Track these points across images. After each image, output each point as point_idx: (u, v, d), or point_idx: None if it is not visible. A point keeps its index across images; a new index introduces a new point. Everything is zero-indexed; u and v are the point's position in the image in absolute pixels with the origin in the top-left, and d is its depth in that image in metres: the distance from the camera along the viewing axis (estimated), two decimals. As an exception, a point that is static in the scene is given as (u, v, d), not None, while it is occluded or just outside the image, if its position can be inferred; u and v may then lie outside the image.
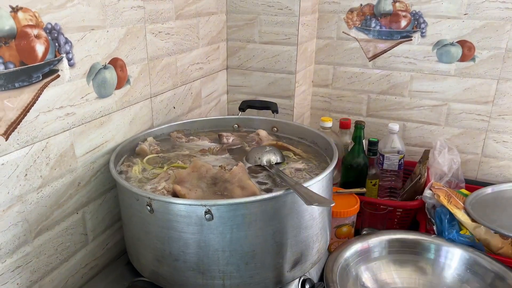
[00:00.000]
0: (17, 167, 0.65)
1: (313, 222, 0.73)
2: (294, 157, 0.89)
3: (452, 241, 0.96)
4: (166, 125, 0.97)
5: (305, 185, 0.68)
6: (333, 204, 0.63)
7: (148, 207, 0.66)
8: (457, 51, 1.22)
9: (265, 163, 0.82)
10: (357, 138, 1.18)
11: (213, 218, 0.64)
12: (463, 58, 1.22)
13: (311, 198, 0.62)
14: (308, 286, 0.80)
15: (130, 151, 0.87)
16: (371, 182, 1.19)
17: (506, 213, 1.08)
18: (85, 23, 0.73)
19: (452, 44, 1.22)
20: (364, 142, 1.20)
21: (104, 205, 0.84)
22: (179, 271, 0.69)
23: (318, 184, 0.71)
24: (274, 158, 0.83)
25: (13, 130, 0.63)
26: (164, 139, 0.96)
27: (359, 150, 1.18)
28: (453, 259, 0.94)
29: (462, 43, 1.21)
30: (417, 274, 0.96)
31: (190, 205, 0.65)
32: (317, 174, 0.72)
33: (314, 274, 0.87)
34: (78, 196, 0.78)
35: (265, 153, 0.84)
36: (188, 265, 0.68)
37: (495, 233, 0.97)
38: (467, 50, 1.21)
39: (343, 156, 1.22)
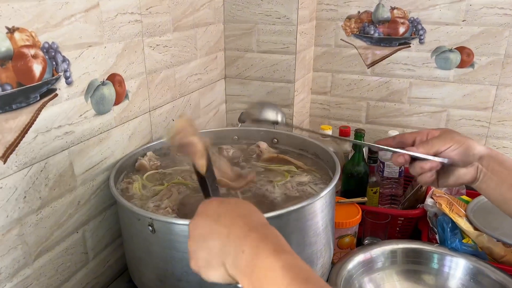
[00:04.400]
0: (16, 190, 0.63)
1: (317, 239, 0.72)
2: (296, 170, 0.88)
3: (455, 250, 0.96)
4: (166, 139, 0.96)
5: (308, 202, 0.67)
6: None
7: (150, 227, 0.65)
8: (456, 57, 1.22)
9: (265, 119, 0.76)
10: (357, 146, 1.17)
11: (216, 238, 0.63)
12: (462, 64, 1.22)
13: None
14: (312, 301, 0.79)
15: (129, 166, 0.86)
16: (372, 190, 1.19)
17: (508, 220, 1.06)
18: (83, 40, 0.72)
19: (450, 50, 1.22)
20: (364, 150, 1.20)
21: (104, 223, 0.83)
22: (182, 291, 0.68)
23: (322, 199, 0.71)
24: (274, 115, 0.77)
25: (11, 153, 0.62)
26: (164, 153, 0.95)
27: (359, 158, 1.18)
28: (456, 268, 0.94)
29: (461, 49, 1.21)
30: (421, 285, 0.96)
31: (192, 225, 0.64)
32: (321, 188, 0.72)
33: (317, 288, 0.86)
34: (78, 215, 0.77)
35: (265, 110, 0.77)
36: (191, 286, 0.67)
37: (498, 241, 0.97)
38: (465, 56, 1.21)
39: (344, 164, 1.21)
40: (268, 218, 0.65)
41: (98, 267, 0.83)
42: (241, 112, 1.11)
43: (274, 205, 0.74)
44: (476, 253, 0.96)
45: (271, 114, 0.76)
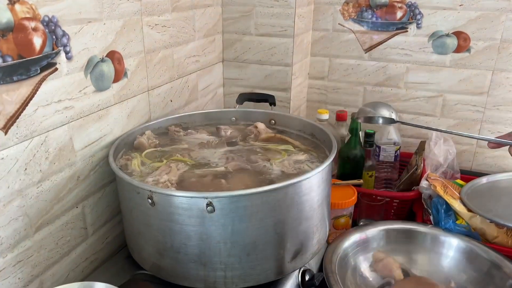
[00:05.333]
0: (17, 162, 0.64)
1: (313, 213, 0.74)
2: (293, 149, 0.89)
3: (449, 230, 0.97)
4: (164, 119, 0.96)
5: (305, 176, 0.68)
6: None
7: (149, 200, 0.66)
8: (453, 42, 1.22)
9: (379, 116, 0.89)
10: (353, 130, 1.18)
11: (214, 210, 0.64)
12: (458, 49, 1.23)
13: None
14: (308, 277, 0.80)
15: (128, 145, 0.87)
16: (367, 174, 1.20)
17: (501, 203, 1.09)
18: (82, 16, 0.73)
19: (447, 35, 1.22)
20: (361, 134, 1.21)
21: (103, 199, 0.84)
22: (180, 263, 0.69)
23: (318, 175, 0.72)
24: (388, 113, 0.90)
25: (12, 124, 0.62)
26: (162, 132, 0.95)
27: (355, 142, 1.19)
28: (450, 248, 0.95)
29: (458, 34, 1.21)
30: (415, 264, 0.97)
31: (191, 197, 0.65)
32: (317, 166, 0.73)
33: (313, 265, 0.87)
34: (78, 190, 0.77)
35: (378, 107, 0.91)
36: (190, 257, 0.68)
37: (491, 222, 0.98)
38: (462, 41, 1.22)
39: (340, 148, 1.23)
40: (266, 192, 0.66)
41: (97, 243, 0.84)
42: (239, 93, 1.11)
43: (271, 181, 0.75)
44: (469, 233, 0.97)
45: (385, 112, 0.89)
